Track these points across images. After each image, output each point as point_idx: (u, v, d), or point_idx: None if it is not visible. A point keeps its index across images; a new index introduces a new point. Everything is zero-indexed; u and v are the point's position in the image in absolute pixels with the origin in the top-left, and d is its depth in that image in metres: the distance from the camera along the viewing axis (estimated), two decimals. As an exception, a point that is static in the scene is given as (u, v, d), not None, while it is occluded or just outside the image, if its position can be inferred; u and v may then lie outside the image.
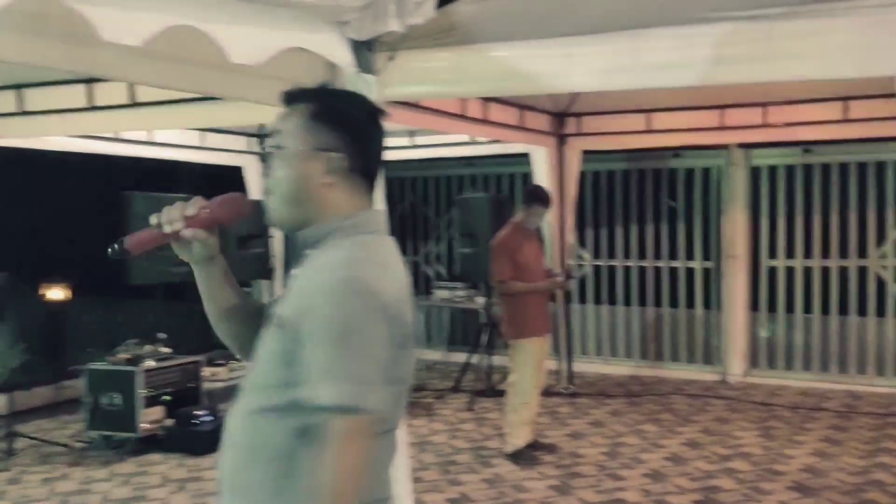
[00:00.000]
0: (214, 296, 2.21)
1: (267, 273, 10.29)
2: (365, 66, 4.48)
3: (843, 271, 9.66)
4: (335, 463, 1.81)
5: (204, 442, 7.27)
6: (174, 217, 2.05)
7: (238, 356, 2.29)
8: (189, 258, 2.16)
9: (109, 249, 2.03)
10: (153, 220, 2.04)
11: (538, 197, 7.01)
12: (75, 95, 6.18)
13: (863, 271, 9.57)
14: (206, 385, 8.20)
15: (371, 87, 4.48)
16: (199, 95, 5.93)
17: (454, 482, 6.40)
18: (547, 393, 8.87)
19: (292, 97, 2.08)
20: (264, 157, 2.09)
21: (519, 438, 6.59)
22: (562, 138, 9.32)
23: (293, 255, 2.14)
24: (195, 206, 2.08)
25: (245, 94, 5.33)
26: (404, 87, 5.04)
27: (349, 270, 1.91)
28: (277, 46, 3.93)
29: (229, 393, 8.53)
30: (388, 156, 8.39)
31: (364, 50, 4.46)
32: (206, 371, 8.32)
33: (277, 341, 1.95)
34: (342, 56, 4.38)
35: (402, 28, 4.14)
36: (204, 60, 4.30)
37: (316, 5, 4.07)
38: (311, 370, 1.85)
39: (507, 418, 6.92)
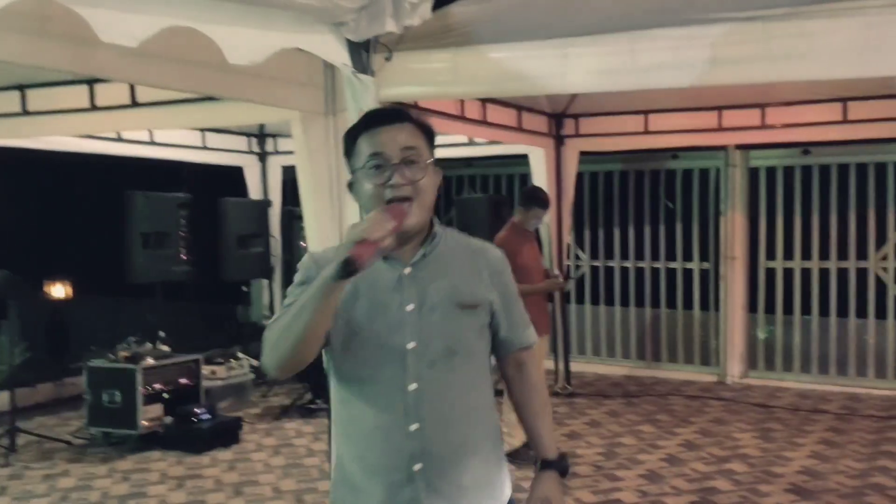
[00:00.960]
0: (331, 310, 2.20)
1: (267, 272, 10.33)
2: (362, 66, 4.53)
3: (843, 273, 9.67)
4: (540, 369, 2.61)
5: (202, 439, 7.36)
6: (386, 231, 2.11)
7: (287, 375, 2.39)
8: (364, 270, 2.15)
9: (342, 272, 2.05)
10: (374, 235, 2.07)
11: (537, 198, 7.03)
12: (77, 96, 6.23)
13: (862, 273, 9.58)
14: (206, 383, 8.24)
15: (368, 88, 4.53)
16: (200, 96, 5.98)
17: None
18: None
19: (397, 115, 2.37)
20: (408, 166, 2.30)
21: (516, 438, 6.62)
22: (560, 139, 9.35)
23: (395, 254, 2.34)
24: (390, 220, 2.15)
25: (244, 94, 5.39)
26: (402, 87, 5.09)
27: (493, 247, 2.58)
28: (275, 47, 3.98)
29: (228, 391, 8.62)
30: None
31: (361, 51, 4.50)
32: (206, 369, 8.35)
33: (474, 320, 2.43)
34: (339, 57, 4.43)
35: (398, 29, 4.19)
36: (203, 61, 4.34)
37: (313, 7, 4.11)
38: (521, 322, 2.57)
39: (505, 418, 6.94)
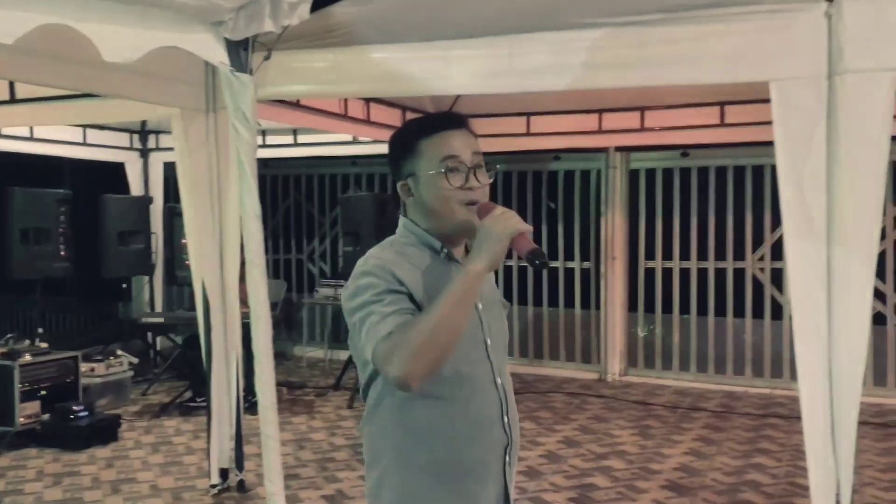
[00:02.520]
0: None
1: (148, 269, 10.19)
2: (240, 65, 4.48)
3: (721, 273, 9.90)
4: None
5: (80, 437, 7.24)
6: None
7: (428, 378, 2.19)
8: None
9: (542, 262, 2.15)
10: (526, 226, 2.16)
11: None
12: (-44, 92, 6.07)
13: (740, 273, 9.80)
14: (84, 380, 8.07)
15: (246, 87, 4.49)
16: (79, 92, 5.87)
17: (331, 479, 6.41)
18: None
19: (460, 120, 2.40)
20: (479, 171, 2.33)
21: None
22: (445, 139, 9.35)
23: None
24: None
25: (124, 91, 5.32)
26: (283, 86, 5.07)
27: None
28: (151, 45, 3.93)
29: (107, 388, 8.44)
30: (272, 154, 8.41)
31: (240, 49, 4.47)
32: (84, 366, 8.19)
33: (505, 318, 2.54)
34: (217, 55, 4.38)
35: (277, 29, 4.17)
36: (82, 58, 4.28)
37: (191, 6, 4.07)
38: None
39: None
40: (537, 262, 2.13)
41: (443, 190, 2.30)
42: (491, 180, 2.37)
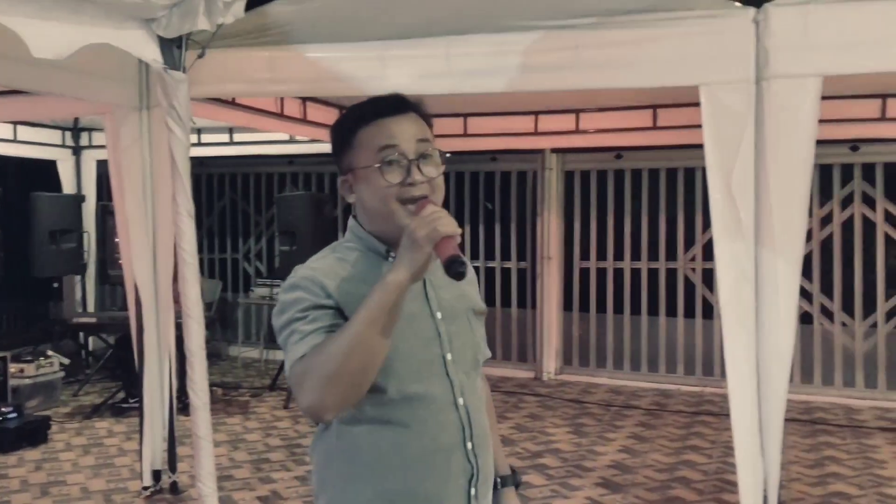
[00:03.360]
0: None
1: (80, 268, 10.04)
2: (173, 63, 4.45)
3: (653, 273, 10.03)
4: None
5: (8, 439, 7.13)
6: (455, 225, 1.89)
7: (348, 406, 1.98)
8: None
9: (459, 271, 1.84)
10: (458, 229, 1.86)
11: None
12: None
13: (672, 273, 9.93)
14: (13, 381, 7.93)
15: (180, 84, 4.46)
16: (8, 89, 5.78)
17: (266, 480, 6.38)
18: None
19: (402, 104, 2.11)
20: (424, 162, 2.04)
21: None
22: (382, 139, 9.36)
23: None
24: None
25: (55, 88, 5.25)
26: (217, 85, 5.05)
27: None
28: (82, 42, 3.88)
29: (37, 389, 8.31)
30: (207, 152, 8.33)
31: (173, 47, 4.43)
32: (13, 367, 8.05)
33: (481, 328, 2.25)
34: (150, 53, 4.34)
35: (210, 27, 4.14)
36: (12, 54, 4.21)
37: (124, 2, 4.04)
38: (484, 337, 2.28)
39: None
40: (453, 270, 1.84)
41: (380, 187, 2.02)
42: (439, 171, 2.06)
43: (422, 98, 2.16)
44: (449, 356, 2.08)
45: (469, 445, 2.07)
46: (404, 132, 2.04)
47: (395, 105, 2.09)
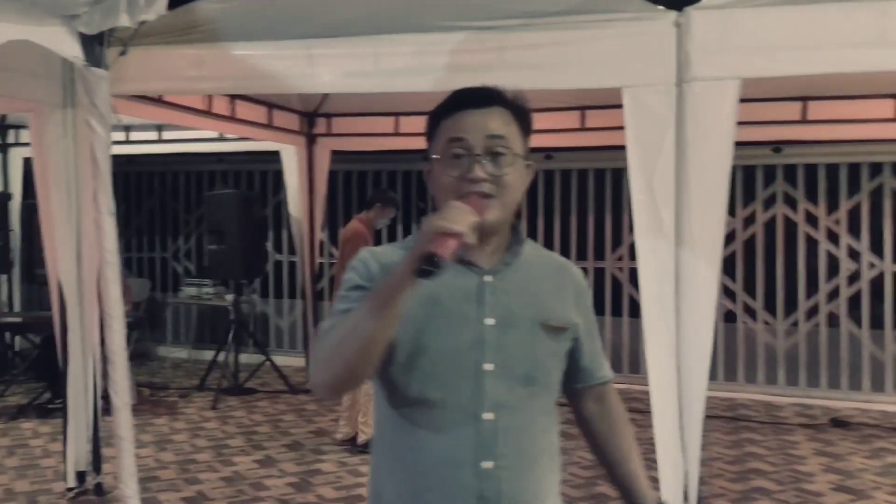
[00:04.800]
0: (397, 317, 1.82)
1: (5, 267, 9.89)
2: (95, 60, 4.40)
3: (581, 272, 10.12)
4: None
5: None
6: (470, 223, 1.77)
7: (340, 394, 1.92)
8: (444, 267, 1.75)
9: (425, 268, 1.70)
10: (459, 227, 1.73)
11: (392, 200, 7.49)
12: None
13: (600, 272, 10.05)
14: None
15: (101, 82, 4.41)
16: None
17: (192, 481, 6.32)
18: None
19: (489, 97, 2.02)
20: (492, 159, 1.95)
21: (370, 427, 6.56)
22: (312, 138, 9.36)
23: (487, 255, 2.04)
24: (472, 210, 1.81)
25: (-25, 85, 5.16)
26: (142, 82, 5.00)
27: (574, 265, 2.24)
28: (1, 38, 3.82)
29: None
30: (135, 150, 8.19)
31: (95, 44, 4.39)
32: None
33: (557, 344, 2.07)
34: (71, 49, 4.30)
35: (132, 24, 4.12)
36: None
37: (43, -1, 4.00)
38: (601, 352, 2.28)
39: (367, 409, 6.80)
40: (416, 267, 1.71)
41: (442, 179, 1.97)
42: (508, 170, 1.95)
43: (520, 92, 2.07)
44: (489, 367, 1.95)
45: (487, 465, 1.93)
46: (477, 127, 1.97)
47: (478, 98, 2.01)
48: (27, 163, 9.99)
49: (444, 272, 1.71)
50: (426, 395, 1.93)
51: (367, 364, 1.83)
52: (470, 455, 1.92)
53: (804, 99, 7.47)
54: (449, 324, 1.95)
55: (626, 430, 2.32)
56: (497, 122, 1.98)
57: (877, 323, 9.07)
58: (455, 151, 1.95)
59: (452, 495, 1.93)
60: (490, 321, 1.96)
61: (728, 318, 9.40)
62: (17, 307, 10.55)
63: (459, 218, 1.74)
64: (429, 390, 1.93)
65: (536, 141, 6.83)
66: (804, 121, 7.60)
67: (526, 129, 2.05)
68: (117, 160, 4.70)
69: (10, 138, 10.35)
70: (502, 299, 1.99)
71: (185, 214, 11.93)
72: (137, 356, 10.75)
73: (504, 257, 2.04)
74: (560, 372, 2.12)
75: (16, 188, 10.35)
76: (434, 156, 2.00)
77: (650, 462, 5.89)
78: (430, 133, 2.04)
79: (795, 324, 9.31)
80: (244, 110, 7.79)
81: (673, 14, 4.01)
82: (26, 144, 9.90)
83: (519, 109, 2.03)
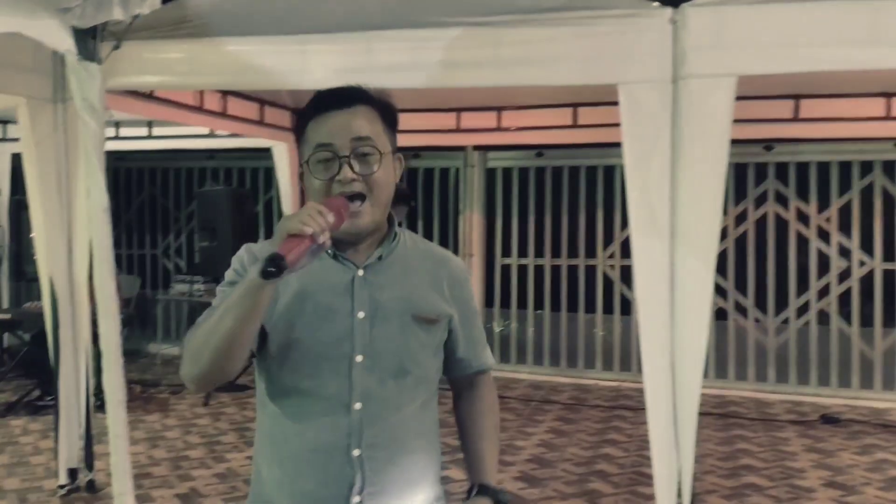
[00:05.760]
0: (258, 315, 1.87)
1: (-10, 264, 9.86)
2: (88, 54, 4.37)
3: (573, 270, 10.15)
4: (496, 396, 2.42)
5: None
6: (323, 225, 1.81)
7: (208, 388, 2.01)
8: (295, 270, 1.82)
9: (268, 269, 1.74)
10: (308, 228, 1.77)
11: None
12: None
13: (591, 270, 10.07)
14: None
15: (94, 76, 4.38)
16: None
17: (185, 477, 6.31)
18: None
19: (350, 97, 2.08)
20: (360, 159, 2.02)
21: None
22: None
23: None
24: (328, 213, 1.84)
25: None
26: (133, 76, 4.95)
27: (455, 256, 2.33)
28: (-8, 31, 3.80)
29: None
30: (126, 146, 8.12)
31: (88, 38, 4.35)
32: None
33: (430, 336, 2.14)
34: (63, 43, 4.27)
35: (126, 17, 4.08)
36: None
37: (36, -9, 3.96)
38: (480, 341, 2.34)
39: None
40: (262, 267, 1.76)
41: (314, 183, 2.04)
42: (376, 169, 2.03)
43: (382, 89, 2.14)
44: (359, 358, 2.04)
45: (356, 452, 2.02)
46: (343, 129, 2.03)
47: (341, 98, 2.07)
48: (15, 158, 9.93)
49: (302, 270, 1.80)
50: (298, 386, 2.02)
51: (231, 360, 1.89)
52: (342, 443, 2.01)
53: (796, 97, 7.47)
54: (320, 317, 2.03)
55: (486, 415, 2.37)
56: (361, 121, 2.05)
57: (867, 320, 9.10)
58: (323, 156, 2.02)
59: (326, 481, 2.01)
60: (361, 314, 2.04)
61: (719, 315, 9.39)
62: (5, 303, 10.49)
63: (311, 219, 1.79)
64: (300, 381, 2.02)
65: (527, 138, 6.81)
66: (796, 119, 7.60)
67: (392, 124, 2.14)
68: (107, 156, 4.66)
69: (-2, 133, 10.30)
70: (375, 294, 2.07)
71: (176, 211, 11.90)
72: (129, 353, 10.69)
73: (377, 251, 2.12)
74: (437, 361, 2.20)
75: (4, 184, 10.28)
76: (304, 159, 2.06)
77: (645, 459, 5.93)
78: (298, 135, 2.11)
79: (786, 321, 9.34)
80: (236, 107, 7.75)
81: (668, 11, 3.99)
82: (14, 140, 9.85)
83: (383, 105, 2.12)
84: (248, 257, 2.09)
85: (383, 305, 2.07)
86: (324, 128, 2.03)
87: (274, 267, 1.73)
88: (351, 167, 2.00)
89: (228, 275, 2.07)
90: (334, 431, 2.02)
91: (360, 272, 2.08)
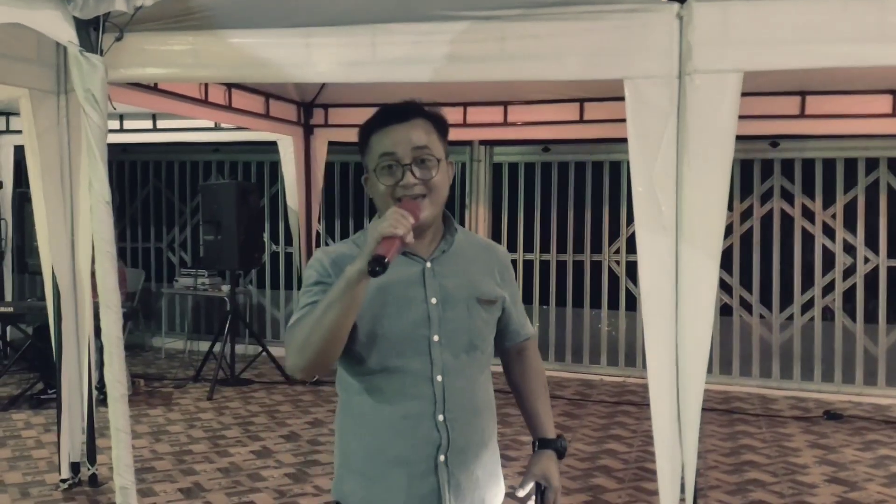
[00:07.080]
0: (358, 307, 2.18)
1: (-3, 256, 9.87)
2: (90, 45, 4.35)
3: (579, 265, 10.15)
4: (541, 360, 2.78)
5: None
6: (408, 227, 2.11)
7: (314, 375, 2.42)
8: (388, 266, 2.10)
9: (375, 269, 2.03)
10: (400, 230, 2.08)
11: None
12: None
13: (597, 265, 10.08)
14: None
15: (96, 68, 4.36)
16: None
17: (188, 472, 6.30)
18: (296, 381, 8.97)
19: (408, 112, 2.36)
20: (420, 165, 2.29)
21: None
22: (309, 128, 9.33)
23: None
24: (408, 215, 2.14)
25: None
26: (136, 68, 4.93)
27: (499, 245, 2.68)
28: (-7, 22, 3.78)
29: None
30: (130, 139, 8.12)
31: (90, 29, 4.32)
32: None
33: (490, 315, 2.47)
34: (65, 34, 4.24)
35: (128, 8, 4.06)
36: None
37: (39, -19, 3.94)
38: (524, 314, 2.68)
39: None
40: (370, 267, 2.05)
41: (379, 188, 2.32)
42: (435, 174, 2.30)
43: (434, 106, 2.44)
44: (436, 338, 2.34)
45: (440, 417, 2.32)
46: (404, 140, 2.30)
47: (400, 113, 2.35)
48: (18, 150, 9.93)
49: (390, 267, 2.06)
50: (387, 365, 2.31)
51: (335, 346, 2.20)
52: (428, 410, 2.32)
53: (802, 93, 7.46)
54: (400, 306, 2.33)
55: (537, 377, 2.71)
56: (419, 132, 2.33)
57: (871, 317, 9.09)
58: (388, 163, 2.30)
59: (417, 444, 2.32)
60: (433, 300, 2.35)
61: (724, 311, 9.41)
62: (8, 297, 10.50)
63: (398, 222, 2.09)
64: (388, 361, 2.31)
65: (534, 133, 6.80)
66: (802, 115, 7.59)
67: (444, 133, 2.42)
68: (111, 149, 4.63)
69: (1, 125, 10.27)
70: (443, 282, 2.38)
71: (181, 204, 11.89)
72: (133, 347, 10.73)
73: (440, 246, 2.42)
74: (493, 335, 2.52)
75: (7, 176, 10.28)
76: (371, 167, 2.34)
77: (649, 455, 5.92)
78: (362, 147, 2.39)
79: (791, 317, 9.33)
80: (241, 100, 7.75)
81: (675, 6, 3.96)
82: (17, 132, 9.84)
83: (436, 118, 2.42)
84: (327, 259, 2.35)
85: (451, 292, 2.38)
86: (387, 139, 2.31)
87: (379, 266, 2.03)
88: (413, 173, 2.28)
89: (310, 276, 2.34)
90: (422, 401, 2.31)
91: (429, 265, 2.38)
